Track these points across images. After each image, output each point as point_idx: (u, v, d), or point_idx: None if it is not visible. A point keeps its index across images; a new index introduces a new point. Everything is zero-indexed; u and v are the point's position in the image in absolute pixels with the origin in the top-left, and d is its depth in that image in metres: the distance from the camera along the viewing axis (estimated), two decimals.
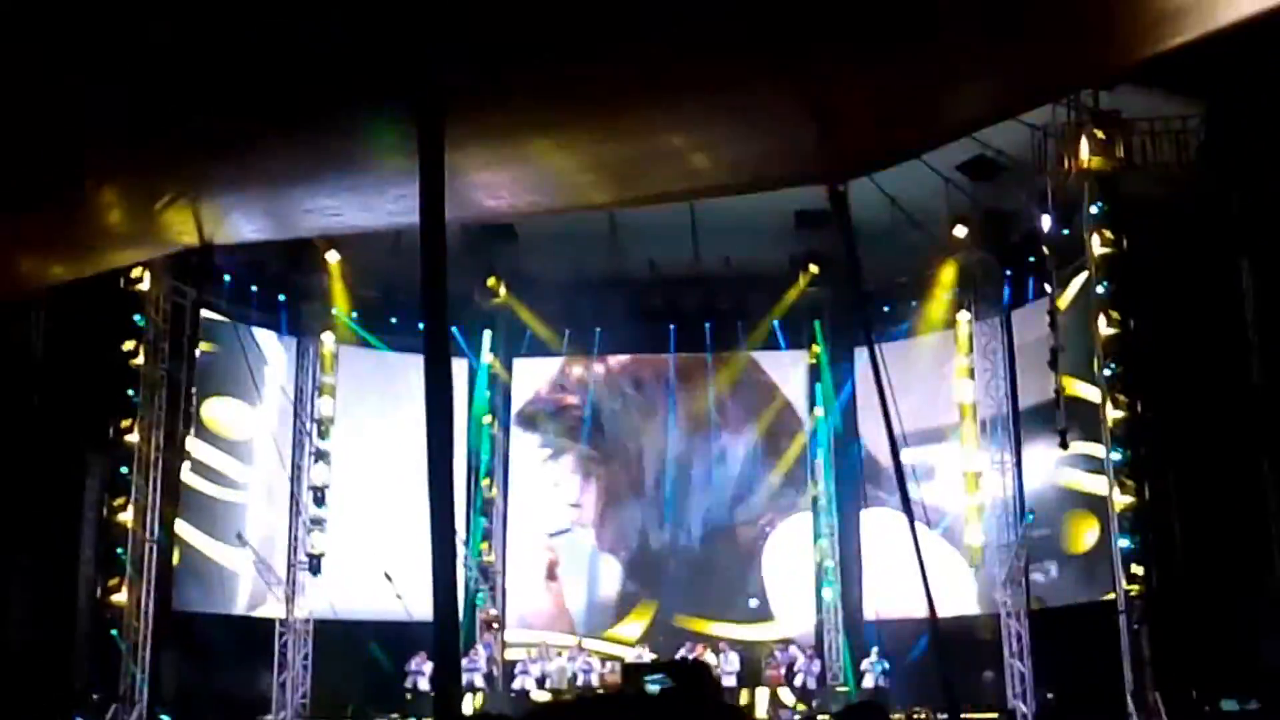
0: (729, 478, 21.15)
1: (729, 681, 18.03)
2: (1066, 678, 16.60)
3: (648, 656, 18.38)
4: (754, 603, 20.37)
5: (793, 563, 20.53)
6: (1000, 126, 14.10)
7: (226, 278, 18.39)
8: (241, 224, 5.83)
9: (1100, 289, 15.83)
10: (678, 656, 17.97)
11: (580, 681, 18.32)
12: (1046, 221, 16.70)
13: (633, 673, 13.65)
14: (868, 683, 18.12)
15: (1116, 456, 15.40)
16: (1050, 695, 17.01)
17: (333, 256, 18.90)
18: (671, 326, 21.10)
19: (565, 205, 6.07)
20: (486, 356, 20.94)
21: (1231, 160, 15.02)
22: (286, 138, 4.23)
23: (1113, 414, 15.45)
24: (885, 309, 19.59)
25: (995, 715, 16.27)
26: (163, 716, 15.65)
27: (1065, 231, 16.53)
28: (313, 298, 19.67)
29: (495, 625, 19.86)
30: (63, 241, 5.50)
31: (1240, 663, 13.51)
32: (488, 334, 20.87)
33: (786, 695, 18.21)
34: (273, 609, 19.06)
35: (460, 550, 19.48)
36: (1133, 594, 14.99)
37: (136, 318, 16.83)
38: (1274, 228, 14.71)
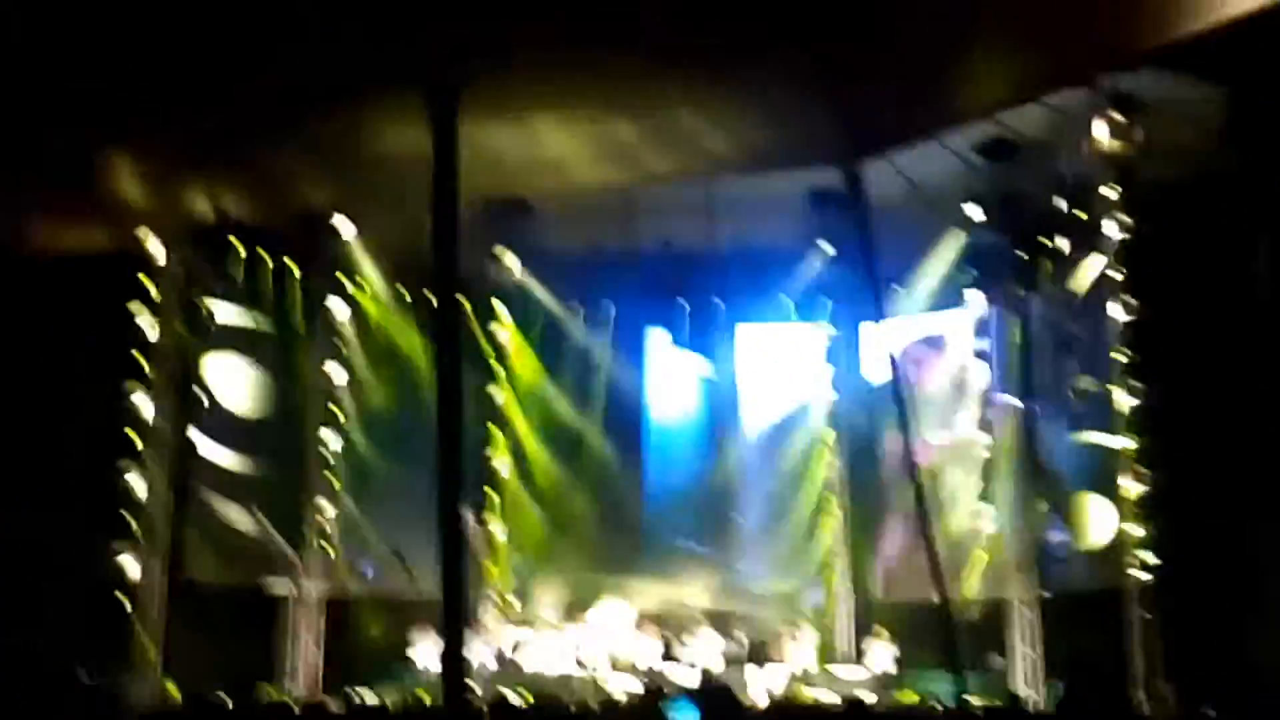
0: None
1: (715, 661, 18.01)
2: (1077, 666, 16.57)
3: (659, 658, 18.34)
4: (764, 579, 20.36)
5: (805, 539, 20.53)
6: (1018, 108, 14.01)
7: (239, 248, 18.34)
8: (253, 198, 5.81)
9: (1116, 274, 15.75)
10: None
11: (590, 662, 18.32)
12: (1063, 204, 16.62)
13: (656, 698, 13.34)
14: (874, 665, 18.10)
15: (1129, 443, 15.35)
16: (1059, 683, 16.98)
17: (346, 228, 18.82)
18: (685, 302, 21.07)
19: (580, 183, 6.04)
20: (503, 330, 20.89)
21: (1250, 144, 14.91)
22: (302, 118, 4.20)
23: (1125, 401, 15.39)
24: (897, 288, 19.48)
25: (1001, 703, 16.22)
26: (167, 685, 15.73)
27: (1082, 215, 16.43)
28: (324, 269, 19.62)
29: (502, 603, 19.85)
30: (78, 214, 5.48)
31: (1247, 660, 13.49)
32: (500, 307, 20.80)
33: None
34: (284, 583, 19.10)
35: (470, 525, 19.49)
36: (1144, 583, 14.97)
37: (147, 285, 16.85)
38: None
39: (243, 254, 18.32)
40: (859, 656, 18.79)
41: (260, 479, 18.94)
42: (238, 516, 18.45)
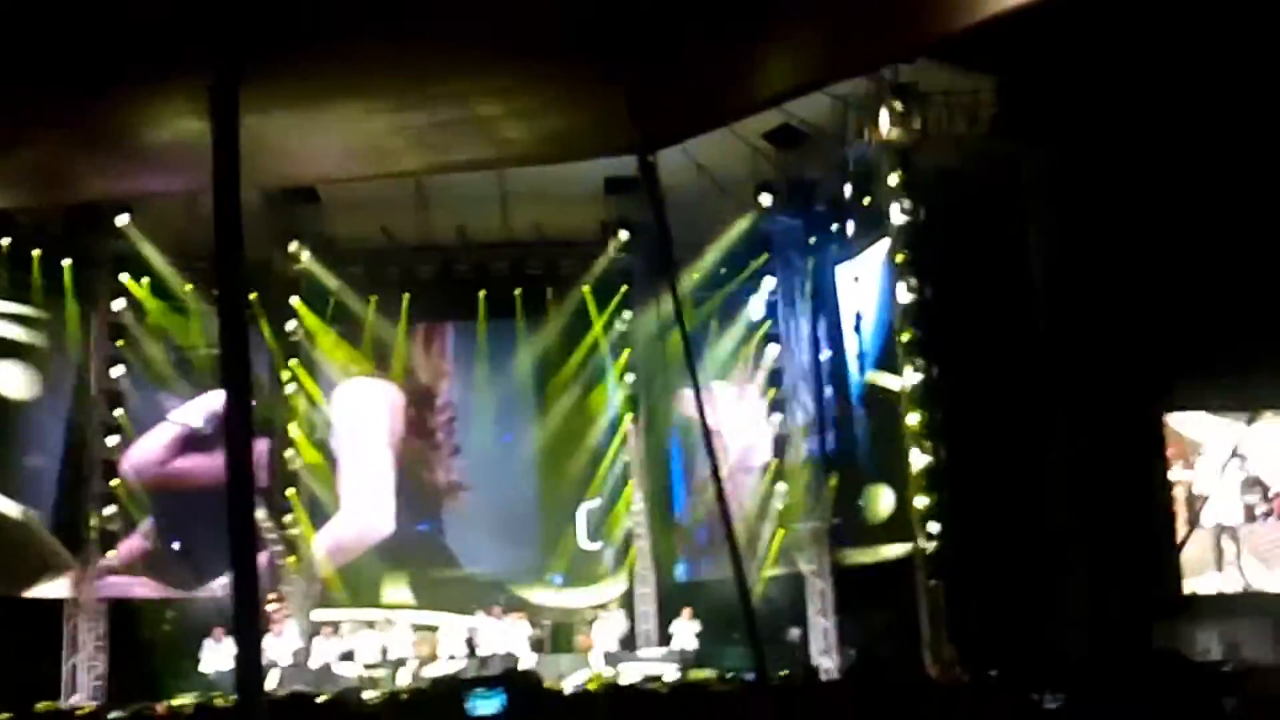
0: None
1: (519, 648, 17.98)
2: (869, 634, 17.22)
3: (455, 642, 18.16)
4: (564, 569, 20.40)
5: (607, 526, 20.66)
6: (805, 97, 14.38)
7: (4, 241, 17.36)
8: (18, 187, 5.48)
9: (899, 256, 16.37)
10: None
11: (391, 655, 18.05)
12: (848, 190, 17.19)
13: (453, 687, 12.50)
14: (677, 644, 18.38)
15: (914, 418, 15.99)
16: (852, 651, 17.61)
17: (122, 219, 18.03)
18: (481, 292, 20.86)
19: (372, 172, 5.93)
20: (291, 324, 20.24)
21: (1021, 131, 15.74)
22: (66, 100, 3.97)
23: (910, 378, 16.03)
24: (694, 275, 19.78)
25: (800, 672, 16.73)
26: None
27: (866, 200, 17.02)
28: (100, 263, 18.75)
29: (299, 599, 19.38)
30: None
31: (1029, 623, 14.23)
32: (295, 300, 20.15)
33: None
34: (61, 589, 18.20)
35: (264, 523, 18.92)
36: (929, 551, 15.64)
37: None
38: (1060, 195, 15.49)
39: (6, 245, 17.39)
40: (664, 637, 19.04)
41: (36, 479, 18.02)
42: (11, 520, 17.51)
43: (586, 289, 20.65)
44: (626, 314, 20.91)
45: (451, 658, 17.99)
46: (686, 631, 18.39)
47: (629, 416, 20.87)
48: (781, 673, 15.97)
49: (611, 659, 18.04)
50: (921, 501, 15.82)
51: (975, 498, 15.42)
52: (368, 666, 17.74)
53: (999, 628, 14.39)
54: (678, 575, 20.29)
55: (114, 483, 18.63)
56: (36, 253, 17.92)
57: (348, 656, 18.02)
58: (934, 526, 15.63)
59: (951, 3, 4.08)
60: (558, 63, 4.19)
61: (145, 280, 19.02)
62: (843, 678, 17.03)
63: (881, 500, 17.43)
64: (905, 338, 16.20)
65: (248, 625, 3.21)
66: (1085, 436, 15.11)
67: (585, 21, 3.94)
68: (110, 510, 18.52)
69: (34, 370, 18.02)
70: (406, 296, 20.51)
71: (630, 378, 20.93)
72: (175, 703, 16.21)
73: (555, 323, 20.91)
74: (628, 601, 20.04)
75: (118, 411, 18.86)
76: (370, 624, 18.81)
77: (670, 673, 17.31)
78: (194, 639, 17.53)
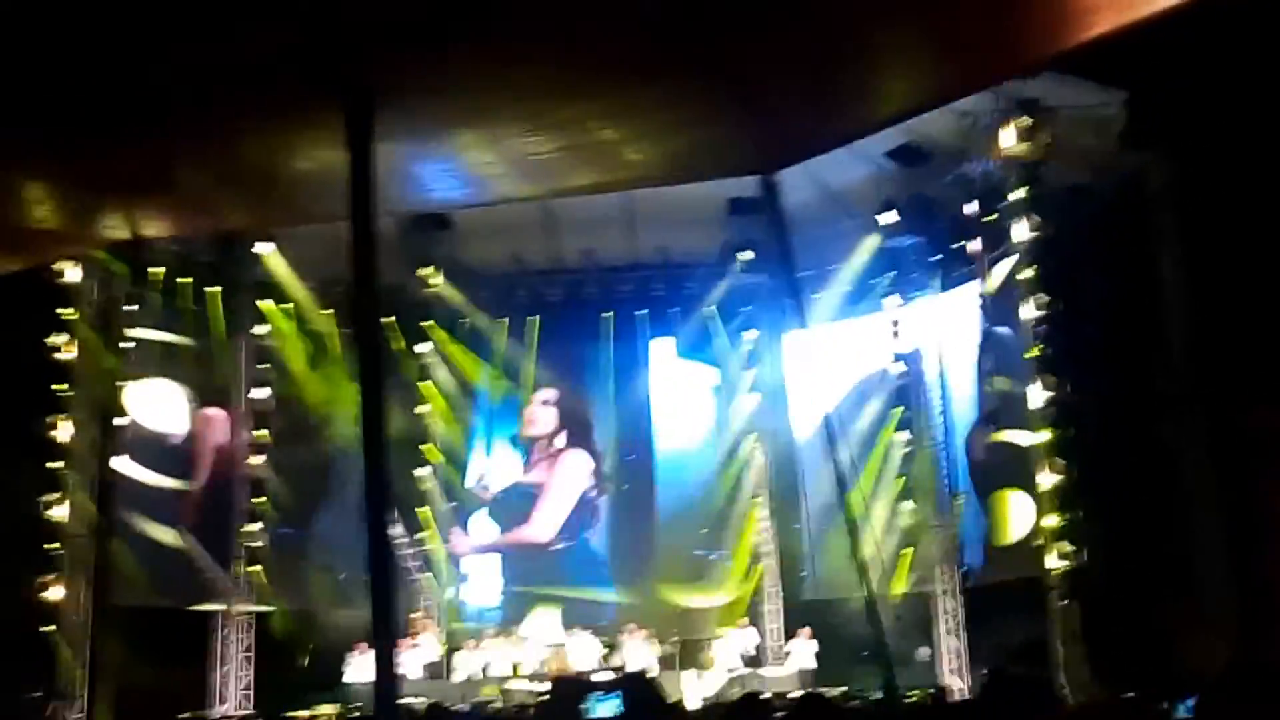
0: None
1: (648, 664, 18.06)
2: (1001, 654, 16.94)
3: (586, 658, 18.35)
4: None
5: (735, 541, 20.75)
6: (927, 114, 14.30)
7: (157, 270, 18.16)
8: (172, 219, 5.81)
9: (1027, 273, 16.14)
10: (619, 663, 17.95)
11: (524, 671, 18.34)
12: (973, 207, 17.02)
13: (572, 690, 12.60)
14: (794, 663, 18.31)
15: (1044, 437, 15.72)
16: (984, 671, 17.32)
17: (265, 248, 18.73)
18: (608, 314, 21.16)
19: (498, 198, 6.16)
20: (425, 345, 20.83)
21: (1149, 144, 15.41)
22: (215, 136, 4.25)
23: (1040, 395, 15.77)
24: (817, 295, 19.77)
25: (931, 692, 16.54)
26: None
27: (993, 217, 16.82)
28: (245, 290, 19.48)
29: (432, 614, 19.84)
30: None
31: (1161, 649, 13.88)
32: (428, 323, 20.75)
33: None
34: (213, 601, 18.90)
35: (401, 538, 19.42)
36: (1061, 571, 15.33)
37: (64, 310, 16.66)
38: (1189, 208, 15.12)
39: (162, 275, 18.17)
40: (788, 655, 19.01)
41: (188, 500, 18.74)
42: (165, 539, 18.23)
43: (712, 309, 20.82)
44: (751, 333, 21.03)
45: (581, 673, 18.19)
46: (805, 651, 18.32)
47: (754, 434, 20.95)
48: (910, 693, 15.84)
49: (736, 677, 18.05)
50: (1052, 520, 15.53)
51: (1108, 515, 15.09)
52: (501, 682, 18.06)
53: (1134, 648, 14.05)
54: (803, 593, 20.25)
55: (258, 500, 19.28)
56: (187, 281, 18.70)
57: (485, 671, 18.38)
58: (1065, 545, 15.33)
59: (1077, 14, 4.11)
60: (680, 84, 4.32)
61: (286, 306, 19.71)
62: (974, 699, 16.77)
63: (1011, 519, 17.16)
64: (1033, 354, 15.95)
65: (385, 639, 3.38)
66: (1222, 450, 14.68)
67: (707, 43, 4.07)
68: (256, 526, 19.18)
69: (186, 395, 18.78)
70: (536, 319, 20.93)
71: (756, 396, 21.01)
72: (316, 713, 16.76)
73: (680, 343, 21.12)
74: (754, 618, 20.06)
75: (262, 431, 19.55)
76: (508, 637, 19.12)
77: (793, 692, 17.27)
78: (337, 651, 18.05)
